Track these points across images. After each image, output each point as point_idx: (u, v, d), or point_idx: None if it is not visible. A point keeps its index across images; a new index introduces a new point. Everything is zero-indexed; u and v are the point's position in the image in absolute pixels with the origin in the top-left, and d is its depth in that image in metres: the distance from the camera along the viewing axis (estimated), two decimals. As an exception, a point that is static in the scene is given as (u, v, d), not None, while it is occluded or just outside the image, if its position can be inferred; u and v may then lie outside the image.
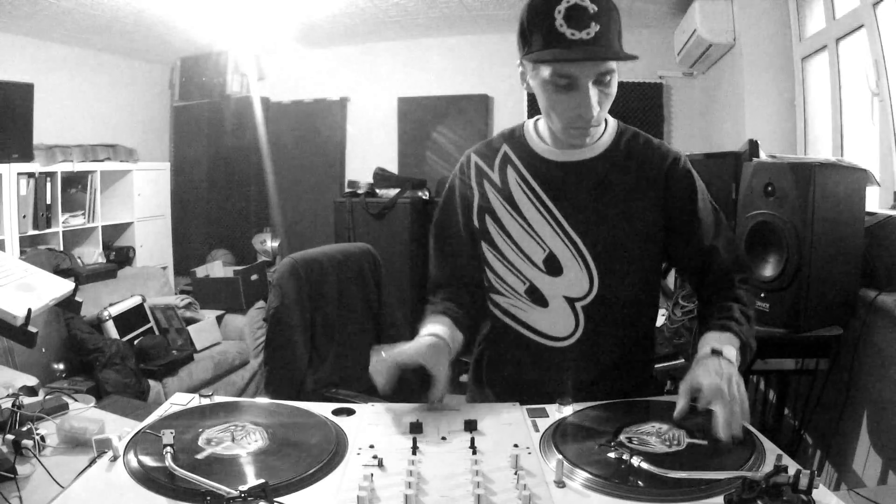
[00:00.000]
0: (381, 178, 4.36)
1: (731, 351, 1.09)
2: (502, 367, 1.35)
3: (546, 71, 1.11)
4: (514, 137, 1.31)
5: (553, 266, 1.24)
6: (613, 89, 1.14)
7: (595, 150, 1.24)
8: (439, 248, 1.37)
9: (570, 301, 1.24)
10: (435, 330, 1.19)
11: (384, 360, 1.09)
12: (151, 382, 3.18)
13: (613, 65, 1.11)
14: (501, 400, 1.20)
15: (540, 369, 1.28)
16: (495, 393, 1.36)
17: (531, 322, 1.28)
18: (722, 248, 1.25)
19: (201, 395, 1.12)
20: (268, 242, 5.08)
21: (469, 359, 1.43)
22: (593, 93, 1.11)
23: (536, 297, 1.26)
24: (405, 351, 1.12)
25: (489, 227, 1.28)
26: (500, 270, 1.29)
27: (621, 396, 1.17)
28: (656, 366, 1.81)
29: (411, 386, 1.16)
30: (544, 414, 1.08)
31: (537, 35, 1.10)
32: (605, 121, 1.26)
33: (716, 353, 1.08)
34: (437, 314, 1.25)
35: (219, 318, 3.99)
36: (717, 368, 1.03)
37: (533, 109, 3.55)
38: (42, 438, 1.19)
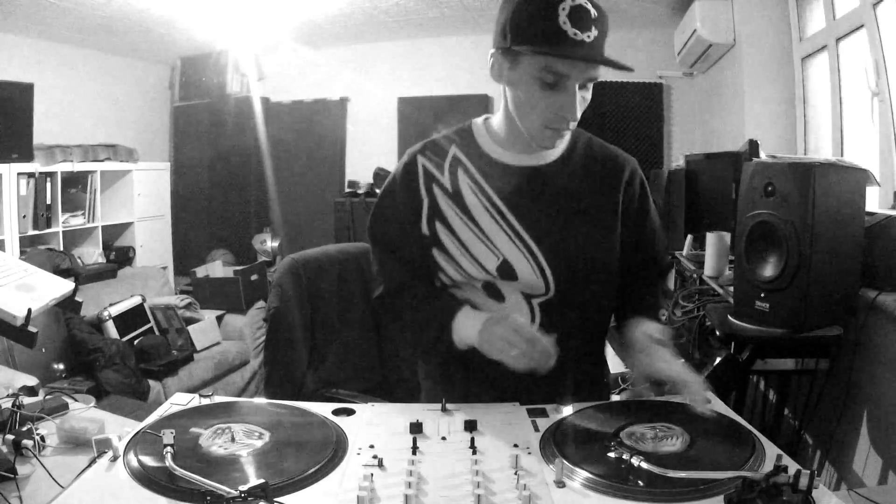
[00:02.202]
0: (381, 178, 4.37)
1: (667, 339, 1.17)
2: (457, 360, 1.26)
3: (536, 66, 1.07)
4: (463, 138, 1.25)
5: (507, 272, 1.20)
6: (588, 99, 1.13)
7: (551, 155, 1.22)
8: (388, 249, 1.28)
9: (527, 297, 1.22)
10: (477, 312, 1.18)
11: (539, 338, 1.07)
12: (151, 382, 3.17)
13: (600, 73, 1.10)
14: (456, 395, 1.16)
15: (492, 364, 1.19)
16: (446, 389, 1.27)
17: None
18: (660, 254, 1.34)
19: (201, 395, 1.12)
20: (268, 242, 5.08)
21: (420, 357, 1.39)
22: (577, 95, 1.09)
23: (492, 292, 1.23)
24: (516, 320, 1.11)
25: (440, 233, 1.22)
26: (453, 274, 1.23)
27: (571, 392, 1.17)
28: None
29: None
30: (544, 414, 1.08)
31: (537, 28, 1.06)
32: None
33: (656, 340, 1.16)
34: (450, 308, 1.20)
35: (219, 318, 3.99)
36: (675, 357, 1.12)
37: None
38: (42, 438, 1.19)
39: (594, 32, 1.05)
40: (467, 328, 1.15)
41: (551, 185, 1.21)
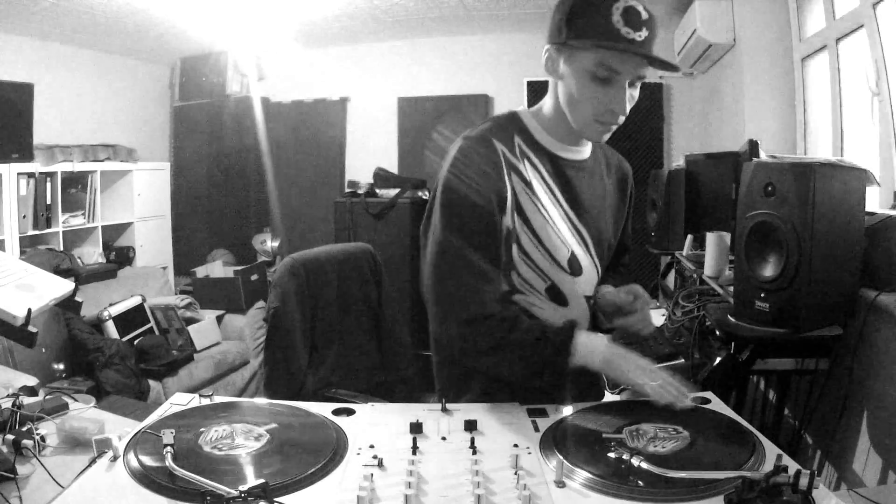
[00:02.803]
0: (381, 178, 4.37)
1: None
2: None
3: (590, 60, 1.11)
4: (518, 127, 1.24)
5: (575, 266, 1.25)
6: (637, 94, 1.17)
7: (587, 151, 1.29)
8: (480, 246, 1.13)
9: (588, 299, 1.29)
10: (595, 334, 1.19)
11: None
12: (151, 382, 3.17)
13: (647, 72, 1.15)
14: (514, 399, 1.16)
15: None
16: (510, 391, 1.19)
17: (550, 321, 1.21)
18: (630, 239, 1.49)
19: (201, 395, 1.12)
20: (268, 242, 5.08)
21: None
22: (627, 92, 1.14)
23: (556, 296, 1.24)
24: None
25: (517, 224, 1.18)
26: (523, 270, 1.20)
27: (594, 388, 1.31)
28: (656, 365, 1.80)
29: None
30: (544, 414, 1.08)
31: (592, 24, 1.10)
32: None
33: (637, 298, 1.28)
34: (574, 332, 1.13)
35: (219, 318, 3.99)
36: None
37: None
38: (42, 438, 1.19)
39: (645, 33, 1.10)
40: (589, 348, 1.11)
41: (592, 178, 1.29)
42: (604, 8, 1.09)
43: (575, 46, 1.12)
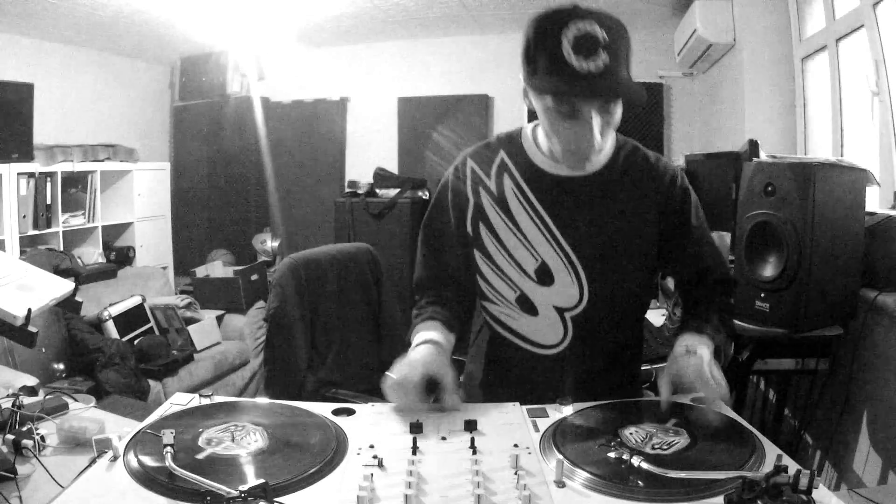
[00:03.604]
0: (381, 178, 4.37)
1: (705, 350, 1.13)
2: (492, 370, 1.36)
3: (549, 98, 1.08)
4: (512, 144, 1.28)
5: (544, 276, 1.24)
6: (617, 117, 1.12)
7: (594, 165, 1.22)
8: (428, 245, 1.35)
9: (560, 311, 1.25)
10: (429, 336, 1.20)
11: (398, 383, 1.09)
12: (151, 382, 3.17)
13: (615, 101, 1.09)
14: (491, 402, 1.19)
15: (528, 374, 1.30)
16: (485, 395, 1.36)
17: (520, 330, 1.28)
18: (712, 262, 1.30)
19: (201, 395, 1.12)
20: (268, 242, 5.08)
21: (463, 357, 1.44)
22: (596, 122, 1.08)
23: (526, 306, 1.26)
24: (412, 368, 1.11)
25: (482, 233, 1.26)
26: (491, 278, 1.28)
27: (609, 394, 1.18)
28: (654, 366, 1.81)
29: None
30: (544, 414, 1.08)
31: (543, 59, 1.05)
32: None
33: (690, 352, 1.12)
34: (425, 321, 1.25)
35: (219, 318, 3.99)
36: (697, 363, 1.08)
37: (533, 112, 3.53)
38: (42, 438, 1.19)
39: (603, 59, 1.01)
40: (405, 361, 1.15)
41: (590, 194, 1.22)
42: (553, 38, 1.02)
43: (536, 89, 1.09)
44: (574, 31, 1.01)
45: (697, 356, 1.10)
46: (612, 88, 1.05)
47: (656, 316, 2.59)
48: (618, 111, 1.11)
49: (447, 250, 1.31)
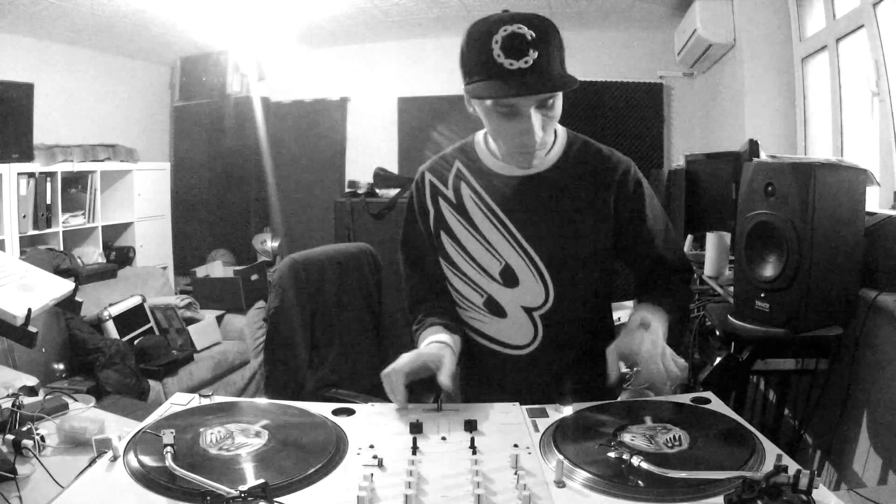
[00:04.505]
0: (381, 178, 4.37)
1: (658, 325, 1.14)
2: (468, 373, 1.38)
3: (488, 101, 1.12)
4: (466, 152, 1.32)
5: (509, 278, 1.26)
6: (557, 111, 1.15)
7: (546, 162, 1.25)
8: (410, 263, 1.38)
9: (528, 311, 1.27)
10: (434, 339, 1.22)
11: (391, 374, 1.10)
12: (151, 382, 3.17)
13: (550, 93, 1.11)
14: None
15: (503, 376, 1.32)
16: (464, 398, 1.38)
17: (491, 333, 1.31)
18: (666, 252, 1.31)
19: (201, 395, 1.12)
20: (268, 242, 5.08)
21: None
22: (536, 118, 1.11)
23: (494, 308, 1.29)
24: (407, 355, 1.13)
25: (444, 243, 1.30)
26: (458, 284, 1.31)
27: (585, 391, 1.18)
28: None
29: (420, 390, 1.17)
30: (544, 414, 1.08)
31: (476, 64, 1.10)
32: (555, 132, 1.25)
33: (643, 325, 1.12)
34: (426, 328, 1.27)
35: (219, 318, 3.99)
36: (654, 339, 1.09)
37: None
38: (42, 438, 1.19)
39: (533, 56, 1.05)
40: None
41: (544, 192, 1.24)
42: (484, 42, 1.07)
43: (470, 94, 1.13)
44: (502, 33, 1.06)
45: (651, 329, 1.11)
46: (544, 83, 1.08)
47: (628, 315, 2.59)
48: (557, 105, 1.14)
49: (428, 263, 1.35)
